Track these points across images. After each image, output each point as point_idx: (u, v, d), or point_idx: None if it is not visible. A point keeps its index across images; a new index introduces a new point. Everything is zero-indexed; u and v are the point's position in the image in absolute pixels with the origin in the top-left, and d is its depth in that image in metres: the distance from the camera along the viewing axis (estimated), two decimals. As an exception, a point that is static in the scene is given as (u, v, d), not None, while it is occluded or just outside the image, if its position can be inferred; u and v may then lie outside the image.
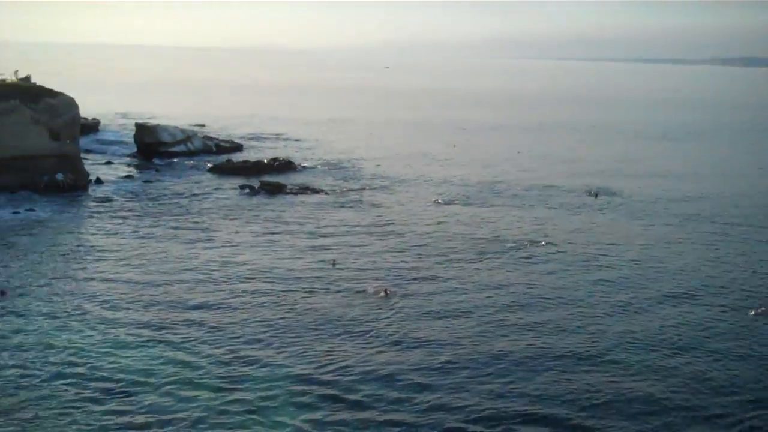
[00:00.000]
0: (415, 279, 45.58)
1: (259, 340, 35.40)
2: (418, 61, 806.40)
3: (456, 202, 69.89)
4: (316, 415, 28.52)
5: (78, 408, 28.46)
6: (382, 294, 42.38)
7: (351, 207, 66.82)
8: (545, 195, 73.95)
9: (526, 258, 50.77)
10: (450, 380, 31.62)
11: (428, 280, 45.53)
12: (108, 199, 67.42)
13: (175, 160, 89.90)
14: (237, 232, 56.13)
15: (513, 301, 41.95)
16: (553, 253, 52.04)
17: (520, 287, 44.47)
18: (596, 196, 73.96)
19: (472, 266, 48.72)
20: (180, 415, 28.07)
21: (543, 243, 54.47)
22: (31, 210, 61.71)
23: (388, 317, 38.86)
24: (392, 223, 60.50)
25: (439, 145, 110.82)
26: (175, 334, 35.96)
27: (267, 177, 78.37)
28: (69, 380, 30.76)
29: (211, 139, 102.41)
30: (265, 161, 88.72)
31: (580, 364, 33.71)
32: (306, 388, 30.61)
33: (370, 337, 36.23)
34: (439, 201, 70.18)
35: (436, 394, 30.37)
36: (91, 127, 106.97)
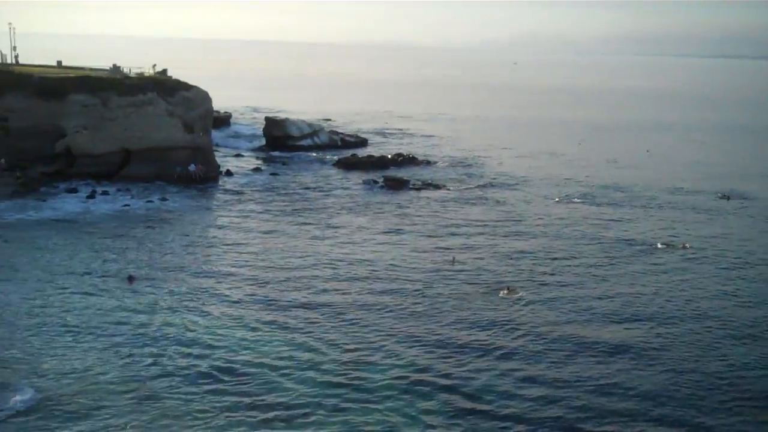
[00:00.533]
0: (540, 279, 44.51)
1: (379, 332, 35.36)
2: (548, 58, 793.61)
3: (582, 201, 68.08)
4: (432, 405, 28.32)
5: (203, 390, 29.15)
6: (506, 292, 41.60)
7: (474, 204, 66.10)
8: (674, 197, 71.12)
9: (658, 263, 48.59)
10: (564, 379, 30.73)
11: (554, 281, 44.36)
12: (237, 191, 69.05)
13: (302, 153, 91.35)
14: (360, 227, 56.39)
15: (645, 311, 39.93)
16: (688, 259, 49.67)
17: (653, 296, 42.31)
18: (728, 199, 70.57)
19: (600, 269, 47.13)
20: (302, 400, 28.35)
21: (679, 246, 52.21)
22: (164, 200, 63.86)
23: (509, 316, 38.06)
24: (516, 222, 59.49)
25: (566, 144, 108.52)
26: (299, 321, 36.44)
27: (391, 172, 78.61)
28: (194, 365, 31.53)
29: (336, 133, 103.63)
30: (389, 156, 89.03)
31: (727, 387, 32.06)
32: (423, 378, 30.46)
33: (488, 334, 35.56)
34: (565, 200, 68.56)
35: (549, 389, 29.85)
36: (223, 120, 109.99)
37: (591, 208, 65.51)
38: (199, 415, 27.39)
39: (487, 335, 35.49)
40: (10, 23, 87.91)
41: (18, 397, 27.72)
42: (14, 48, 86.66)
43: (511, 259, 48.60)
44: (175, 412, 27.49)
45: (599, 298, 41.55)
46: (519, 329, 36.38)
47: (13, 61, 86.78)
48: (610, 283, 44.21)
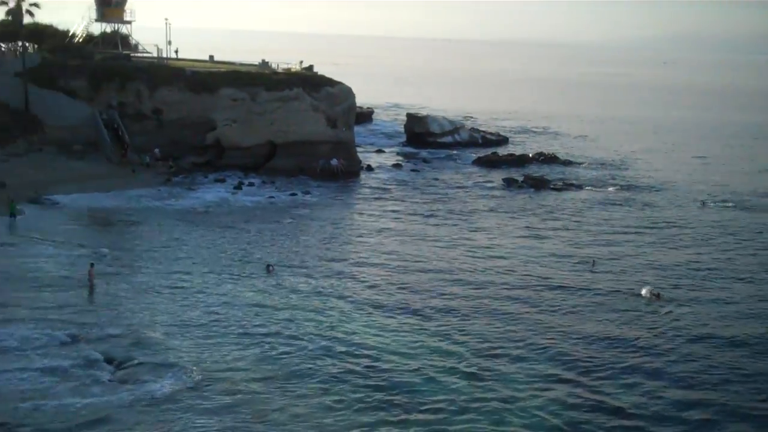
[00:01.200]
0: (688, 287, 42.64)
1: (513, 335, 34.75)
2: (702, 57, 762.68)
3: (730, 207, 65.05)
4: (571, 414, 27.53)
5: (338, 380, 29.50)
6: (650, 298, 40.07)
7: (617, 206, 64.33)
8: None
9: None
10: (713, 399, 29.28)
11: (703, 289, 42.37)
12: (377, 187, 69.84)
13: (442, 150, 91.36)
14: (498, 226, 55.88)
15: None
16: None
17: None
18: None
19: (756, 281, 44.54)
20: (434, 398, 28.18)
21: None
22: (306, 193, 65.31)
23: (654, 324, 36.65)
24: (659, 225, 57.51)
25: (717, 147, 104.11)
26: (431, 320, 36.34)
27: (531, 171, 77.54)
28: (331, 354, 32.01)
29: (477, 131, 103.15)
30: (530, 155, 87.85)
31: None
32: (559, 387, 29.67)
33: (630, 343, 34.32)
34: (714, 205, 65.63)
35: (701, 412, 28.28)
36: (366, 115, 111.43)
37: (743, 214, 62.49)
38: (336, 406, 27.69)
39: (632, 344, 34.20)
40: (166, 19, 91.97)
41: (166, 380, 28.89)
42: (169, 42, 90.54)
43: (656, 264, 46.80)
44: (311, 402, 27.88)
45: (755, 317, 39.01)
46: (667, 340, 34.79)
47: (173, 56, 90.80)
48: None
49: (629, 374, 31.01)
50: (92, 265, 39.99)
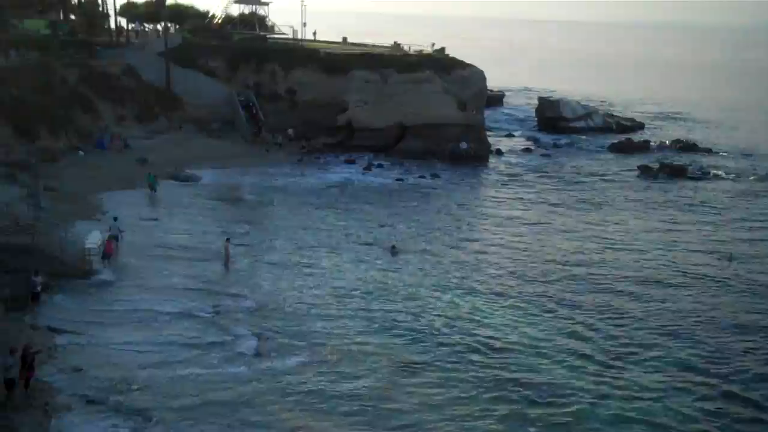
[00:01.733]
0: None
1: (646, 326, 33.74)
2: None
3: None
4: (705, 406, 26.70)
5: (464, 362, 29.53)
6: None
7: (758, 197, 61.33)
8: None
9: None
10: None
11: None
12: (506, 172, 69.10)
13: (574, 135, 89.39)
14: (632, 216, 54.26)
15: None
16: None
17: None
18: None
19: None
20: (571, 389, 27.70)
21: None
22: (435, 176, 65.20)
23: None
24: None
25: None
26: (564, 307, 35.77)
27: (668, 159, 74.87)
28: (454, 337, 32.01)
29: (612, 116, 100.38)
30: (668, 142, 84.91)
31: None
32: (696, 378, 28.79)
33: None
34: None
35: None
36: (496, 99, 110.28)
37: None
38: (459, 385, 27.76)
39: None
40: (302, 0, 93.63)
41: (298, 357, 29.59)
42: (304, 24, 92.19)
43: None
44: (433, 381, 27.99)
45: None
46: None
47: (311, 37, 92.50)
48: None
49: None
50: (228, 240, 41.31)
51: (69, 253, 36.46)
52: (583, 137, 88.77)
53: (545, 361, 29.99)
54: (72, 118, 62.80)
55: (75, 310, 32.45)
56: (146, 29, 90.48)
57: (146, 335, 30.46)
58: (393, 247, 44.11)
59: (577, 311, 35.49)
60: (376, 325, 33.07)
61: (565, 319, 34.58)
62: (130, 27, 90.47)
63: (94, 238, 38.90)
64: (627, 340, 32.29)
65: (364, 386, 27.39)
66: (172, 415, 24.21)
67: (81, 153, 59.24)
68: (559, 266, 42.22)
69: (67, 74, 66.94)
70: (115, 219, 41.68)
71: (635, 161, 73.94)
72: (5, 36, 71.84)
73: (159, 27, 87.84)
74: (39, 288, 32.08)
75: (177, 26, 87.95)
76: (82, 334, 29.88)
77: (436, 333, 32.51)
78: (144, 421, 23.74)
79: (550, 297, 37.31)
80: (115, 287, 35.62)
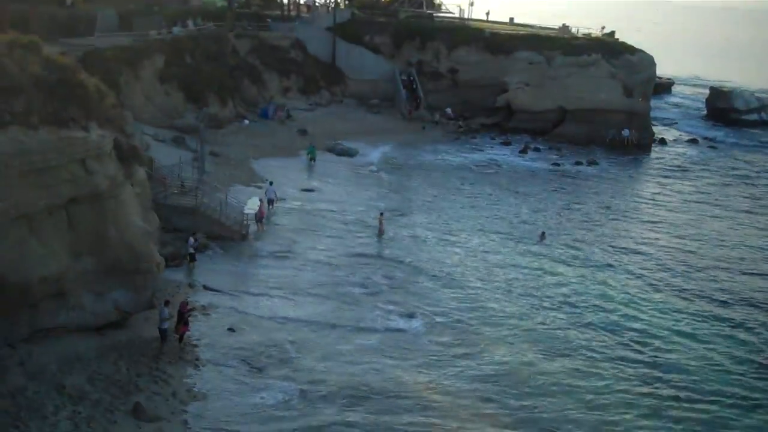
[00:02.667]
0: None
1: None
2: None
3: None
4: None
5: (613, 354, 28.99)
6: None
7: None
8: None
9: None
10: None
11: None
12: (669, 163, 66.45)
13: (745, 129, 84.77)
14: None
15: None
16: None
17: None
18: None
19: None
20: (720, 388, 26.86)
21: None
22: (593, 163, 63.56)
23: None
24: None
25: None
26: (710, 310, 34.37)
27: None
28: (605, 327, 31.50)
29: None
30: None
31: None
32: None
33: None
34: None
35: None
36: (665, 86, 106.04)
37: None
38: (605, 374, 27.43)
39: None
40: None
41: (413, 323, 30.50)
42: (471, 3, 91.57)
43: None
44: (582, 369, 27.68)
45: None
46: None
47: (483, 17, 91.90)
48: None
49: None
50: (382, 214, 42.51)
51: (228, 217, 38.10)
52: (756, 131, 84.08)
53: (697, 362, 28.91)
54: (240, 88, 65.32)
55: (230, 273, 33.97)
56: (317, 4, 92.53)
57: (299, 307, 31.48)
58: (542, 232, 43.53)
59: (734, 319, 33.85)
60: (518, 307, 33.01)
61: (721, 323, 33.14)
62: (302, 1, 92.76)
63: (253, 204, 40.57)
64: None
65: (502, 373, 27.33)
66: (315, 389, 24.78)
67: (246, 121, 61.52)
68: (714, 264, 40.43)
69: (239, 45, 69.51)
70: (271, 183, 43.48)
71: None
72: (185, 7, 75.31)
73: (329, 2, 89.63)
74: (194, 249, 33.70)
75: (346, 2, 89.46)
76: (237, 297, 31.20)
77: (584, 319, 32.20)
78: (294, 393, 24.32)
79: (705, 300, 35.79)
80: (271, 254, 36.96)
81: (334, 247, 38.78)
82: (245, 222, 38.75)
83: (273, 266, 35.40)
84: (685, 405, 25.73)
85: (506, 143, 68.60)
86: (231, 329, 27.91)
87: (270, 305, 30.84)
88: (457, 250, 40.33)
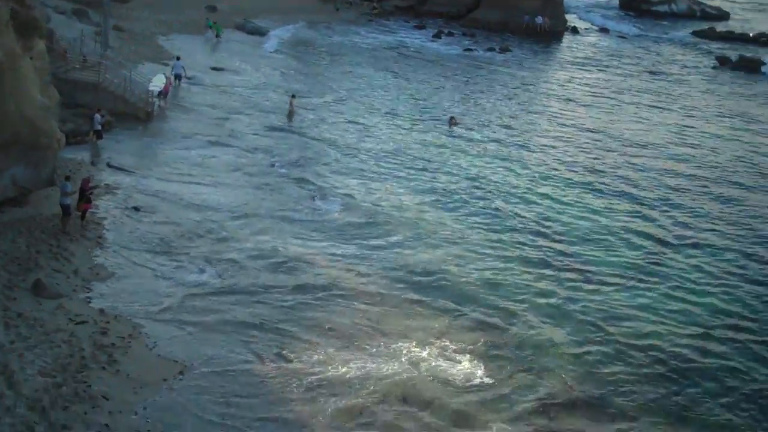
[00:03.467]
0: None
1: (712, 218, 32.99)
2: None
3: None
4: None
5: (507, 245, 29.13)
6: None
7: None
8: None
9: None
10: None
11: None
12: (580, 52, 67.02)
13: (654, 20, 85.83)
14: (703, 107, 52.37)
15: None
16: None
17: None
18: None
19: None
20: (610, 270, 27.38)
21: None
22: (505, 50, 63.53)
23: None
24: None
25: None
26: (617, 196, 34.99)
27: (749, 52, 71.66)
28: (510, 211, 31.79)
29: (697, 2, 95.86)
30: (751, 35, 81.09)
31: None
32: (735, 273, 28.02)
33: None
34: None
35: None
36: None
37: None
38: (509, 255, 27.70)
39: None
40: None
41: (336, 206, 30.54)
42: None
43: None
44: (483, 251, 27.93)
45: None
46: None
47: None
48: None
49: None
50: (293, 96, 42.07)
51: (133, 94, 37.00)
52: (665, 22, 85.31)
53: (601, 244, 29.64)
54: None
55: (135, 151, 33.21)
56: None
57: (203, 183, 31.07)
58: (451, 117, 43.79)
59: (637, 200, 34.66)
60: (427, 190, 33.31)
61: (624, 204, 33.95)
62: None
63: (158, 81, 39.39)
64: (683, 232, 31.53)
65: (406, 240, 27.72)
66: (223, 265, 24.69)
67: (153, -6, 59.25)
68: (623, 155, 41.27)
69: None
70: (178, 58, 42.30)
71: (714, 51, 70.87)
72: None
73: None
74: (100, 126, 32.71)
75: None
76: (143, 176, 30.58)
77: (492, 203, 32.56)
78: (204, 270, 23.89)
79: (608, 182, 36.67)
80: (178, 134, 36.23)
81: (244, 128, 38.24)
82: (151, 99, 37.68)
83: (180, 146, 34.71)
84: (588, 287, 26.22)
85: (420, 27, 68.03)
86: (136, 208, 27.39)
87: (177, 186, 30.31)
88: (368, 132, 40.33)
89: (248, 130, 38.24)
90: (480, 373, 19.74)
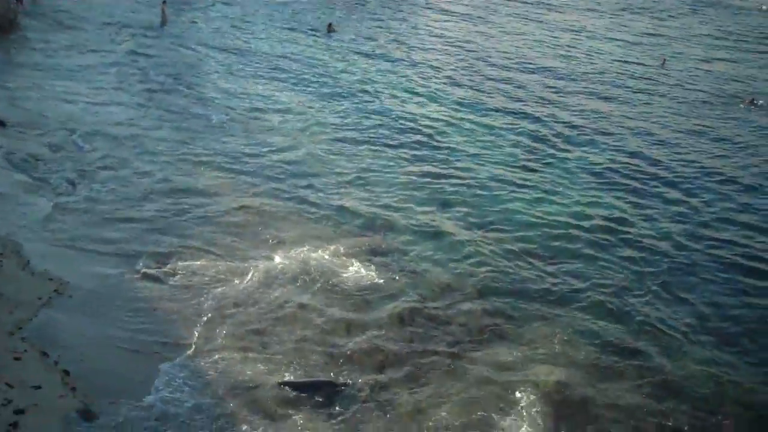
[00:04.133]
0: None
1: (569, 125, 33.44)
2: None
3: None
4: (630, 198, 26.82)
5: (374, 147, 28.93)
6: (746, 104, 36.97)
7: (708, 6, 60.50)
8: None
9: None
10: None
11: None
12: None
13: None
14: (587, 18, 53.14)
15: None
16: None
17: None
18: None
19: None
20: (476, 174, 27.50)
21: None
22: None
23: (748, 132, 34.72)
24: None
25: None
26: (485, 95, 35.43)
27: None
28: (374, 122, 31.43)
29: None
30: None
31: None
32: (603, 176, 28.56)
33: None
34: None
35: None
36: None
37: None
38: (389, 154, 27.89)
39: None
40: None
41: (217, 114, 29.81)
42: None
43: (755, 65, 43.78)
44: (362, 154, 27.94)
45: None
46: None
47: None
48: None
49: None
50: (164, 2, 40.84)
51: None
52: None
53: (477, 148, 30.04)
54: None
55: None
56: None
57: (75, 95, 29.84)
58: (329, 24, 43.15)
59: (517, 103, 35.07)
60: (304, 99, 32.87)
61: (503, 110, 34.24)
62: None
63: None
64: (553, 146, 31.72)
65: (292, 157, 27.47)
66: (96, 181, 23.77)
67: None
68: (498, 61, 41.40)
69: None
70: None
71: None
72: None
73: None
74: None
75: None
76: (7, 89, 29.17)
77: (369, 109, 32.41)
78: (75, 181, 23.13)
79: (471, 83, 36.98)
80: (42, 43, 34.47)
81: (115, 36, 36.74)
82: (13, 5, 35.59)
83: (47, 56, 33.14)
84: (467, 190, 26.39)
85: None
86: (2, 123, 26.10)
87: (47, 101, 28.93)
88: (245, 38, 39.42)
89: (120, 38, 36.75)
90: (369, 274, 19.86)
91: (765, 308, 20.10)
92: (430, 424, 14.90)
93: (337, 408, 15.04)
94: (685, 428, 15.52)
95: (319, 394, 15.27)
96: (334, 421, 14.75)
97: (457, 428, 14.87)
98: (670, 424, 15.57)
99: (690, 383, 16.83)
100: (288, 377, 15.70)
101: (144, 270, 18.88)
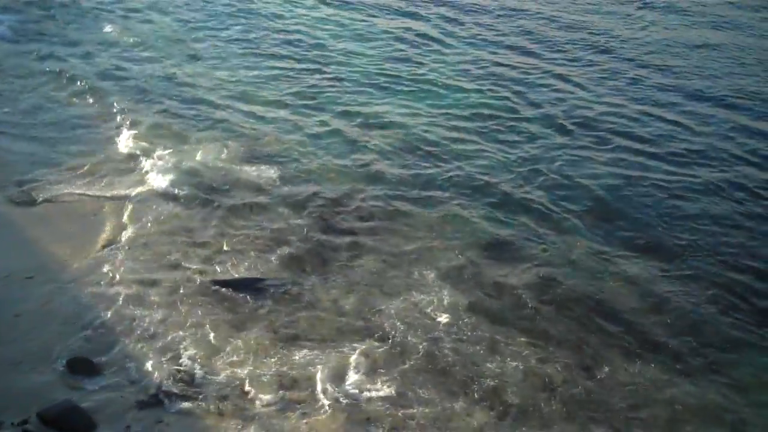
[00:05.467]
0: None
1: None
2: None
3: None
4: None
5: (258, 60, 28.59)
6: None
7: None
8: None
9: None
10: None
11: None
12: None
13: None
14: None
15: None
16: None
17: None
18: None
19: None
20: (356, 80, 27.10)
21: None
22: None
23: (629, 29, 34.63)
24: None
25: None
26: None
27: None
28: (277, 42, 30.66)
29: None
30: None
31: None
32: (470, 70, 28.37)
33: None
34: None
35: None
36: None
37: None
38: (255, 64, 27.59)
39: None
40: None
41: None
42: None
43: None
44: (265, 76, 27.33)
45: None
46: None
47: None
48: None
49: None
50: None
51: None
52: None
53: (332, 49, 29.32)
54: None
55: None
56: None
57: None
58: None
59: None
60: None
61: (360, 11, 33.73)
62: None
63: None
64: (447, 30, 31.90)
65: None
66: None
67: None
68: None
69: None
70: None
71: None
72: None
73: None
74: None
75: None
76: None
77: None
78: None
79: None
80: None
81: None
82: None
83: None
84: (335, 84, 26.64)
85: None
86: None
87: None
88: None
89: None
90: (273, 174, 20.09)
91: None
92: (348, 308, 15.24)
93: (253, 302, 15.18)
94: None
95: (246, 290, 15.37)
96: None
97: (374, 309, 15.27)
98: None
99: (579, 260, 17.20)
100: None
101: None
